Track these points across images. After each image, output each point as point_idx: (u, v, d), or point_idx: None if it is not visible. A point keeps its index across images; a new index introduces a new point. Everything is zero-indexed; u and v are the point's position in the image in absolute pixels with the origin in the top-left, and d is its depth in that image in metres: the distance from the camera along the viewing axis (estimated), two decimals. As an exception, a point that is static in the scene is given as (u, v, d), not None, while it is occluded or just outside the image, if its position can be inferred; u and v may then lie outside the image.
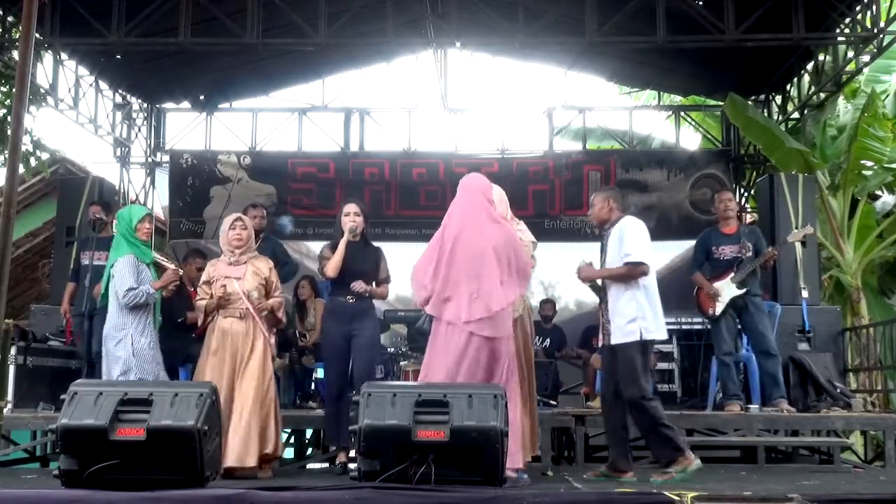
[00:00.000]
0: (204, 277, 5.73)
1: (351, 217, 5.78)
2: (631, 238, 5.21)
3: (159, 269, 5.93)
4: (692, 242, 7.84)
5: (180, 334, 6.98)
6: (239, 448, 5.26)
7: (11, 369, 6.78)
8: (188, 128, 12.13)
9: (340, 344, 5.70)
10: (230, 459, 5.21)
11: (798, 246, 7.86)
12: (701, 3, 9.02)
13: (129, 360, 5.44)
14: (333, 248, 5.74)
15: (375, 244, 6.03)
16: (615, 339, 5.16)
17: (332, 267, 5.65)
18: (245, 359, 5.48)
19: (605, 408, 5.42)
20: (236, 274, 5.60)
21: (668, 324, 7.63)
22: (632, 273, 5.14)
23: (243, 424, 5.31)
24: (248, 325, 5.53)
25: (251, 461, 5.30)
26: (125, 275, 5.52)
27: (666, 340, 7.91)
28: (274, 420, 5.51)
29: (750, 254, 6.98)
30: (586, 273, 5.37)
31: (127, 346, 5.46)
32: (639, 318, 5.10)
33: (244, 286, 5.56)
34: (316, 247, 11.54)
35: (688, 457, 4.96)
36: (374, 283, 5.81)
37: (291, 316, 7.97)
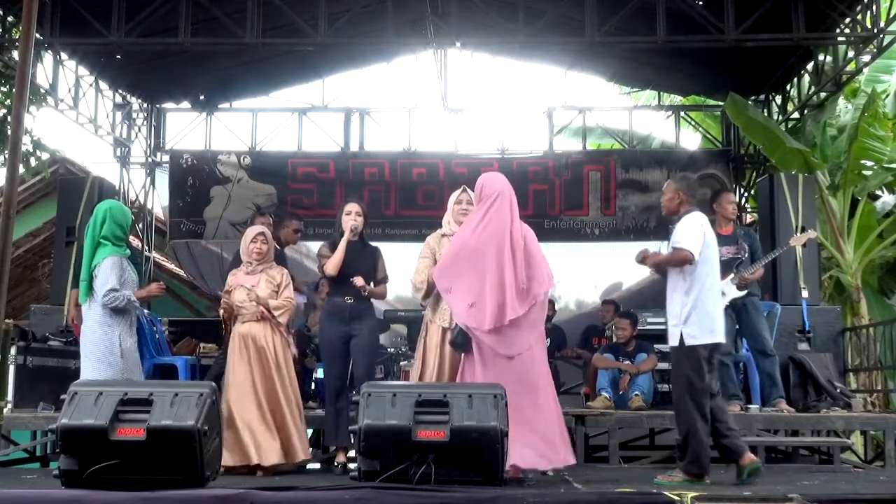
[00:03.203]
0: (226, 287, 5.98)
1: (352, 216, 5.78)
2: (682, 229, 5.15)
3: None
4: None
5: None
6: (287, 445, 5.63)
7: (11, 369, 6.79)
8: (188, 128, 12.13)
9: (339, 345, 5.71)
10: (274, 457, 5.55)
11: (798, 246, 7.85)
12: (701, 3, 9.02)
13: (117, 361, 5.45)
14: (332, 246, 5.75)
15: (374, 244, 6.04)
16: (670, 342, 5.20)
17: (333, 265, 5.65)
18: (270, 360, 5.72)
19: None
20: (250, 283, 5.83)
21: (666, 324, 7.47)
22: (672, 259, 5.14)
23: (286, 423, 5.65)
24: (265, 327, 5.75)
25: (301, 455, 5.71)
26: (109, 275, 5.46)
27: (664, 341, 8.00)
28: (301, 420, 5.81)
29: (746, 255, 6.98)
30: (649, 258, 5.35)
31: (115, 347, 5.46)
32: (679, 323, 5.07)
33: (257, 292, 5.77)
34: (316, 247, 11.56)
35: (703, 477, 4.94)
36: (372, 283, 5.81)
37: (304, 317, 8.00)
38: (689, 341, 5.03)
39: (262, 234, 5.97)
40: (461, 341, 5.03)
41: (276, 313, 5.78)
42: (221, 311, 5.93)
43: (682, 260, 5.07)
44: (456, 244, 5.20)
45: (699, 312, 5.05)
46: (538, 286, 5.04)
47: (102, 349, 5.44)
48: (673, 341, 5.12)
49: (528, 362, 5.00)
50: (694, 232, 5.12)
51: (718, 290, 5.27)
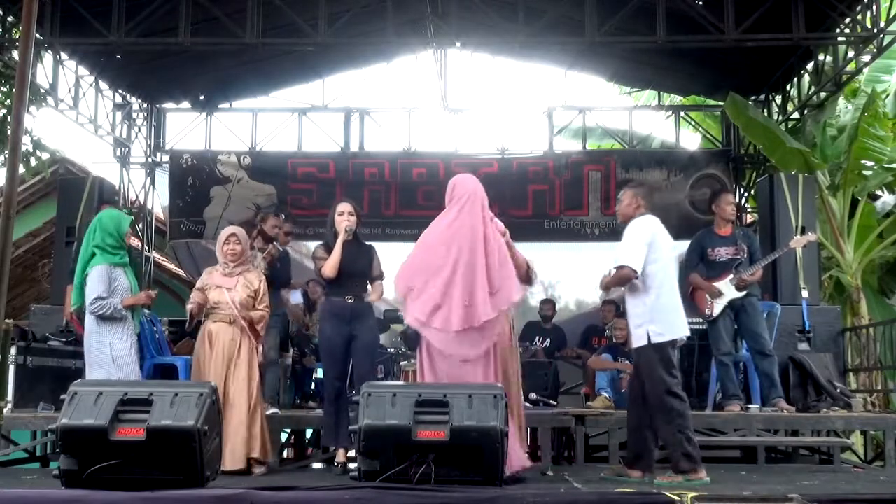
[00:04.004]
0: (198, 284, 5.90)
1: (345, 216, 5.75)
2: (623, 242, 5.24)
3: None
4: (691, 243, 7.81)
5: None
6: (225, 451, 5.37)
7: (11, 369, 6.79)
8: (188, 128, 12.14)
9: (339, 344, 5.68)
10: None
11: (798, 248, 7.83)
12: (701, 3, 9.02)
13: (109, 366, 5.49)
14: (327, 247, 5.74)
15: (373, 243, 6.03)
16: (633, 343, 5.23)
17: (331, 266, 5.63)
18: (233, 362, 5.64)
19: (628, 408, 5.46)
20: (228, 284, 5.77)
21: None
22: (620, 278, 5.20)
23: (230, 429, 5.41)
24: (235, 330, 5.70)
25: (237, 464, 5.44)
26: (96, 284, 5.54)
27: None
28: (260, 424, 5.64)
29: (745, 256, 6.97)
30: (602, 281, 5.46)
31: (107, 352, 5.51)
32: (645, 322, 5.09)
33: (234, 296, 5.72)
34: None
35: (698, 471, 4.95)
36: (368, 282, 5.81)
37: (301, 317, 8.01)
38: (655, 339, 5.06)
39: (235, 234, 5.89)
40: (413, 336, 5.04)
41: (258, 328, 5.76)
42: (190, 307, 5.73)
43: (625, 278, 5.14)
44: (422, 245, 5.12)
45: (661, 309, 5.09)
46: (512, 294, 4.94)
47: (97, 355, 5.54)
48: (640, 342, 5.12)
49: (475, 366, 4.89)
50: (632, 242, 5.17)
51: (675, 284, 5.27)
